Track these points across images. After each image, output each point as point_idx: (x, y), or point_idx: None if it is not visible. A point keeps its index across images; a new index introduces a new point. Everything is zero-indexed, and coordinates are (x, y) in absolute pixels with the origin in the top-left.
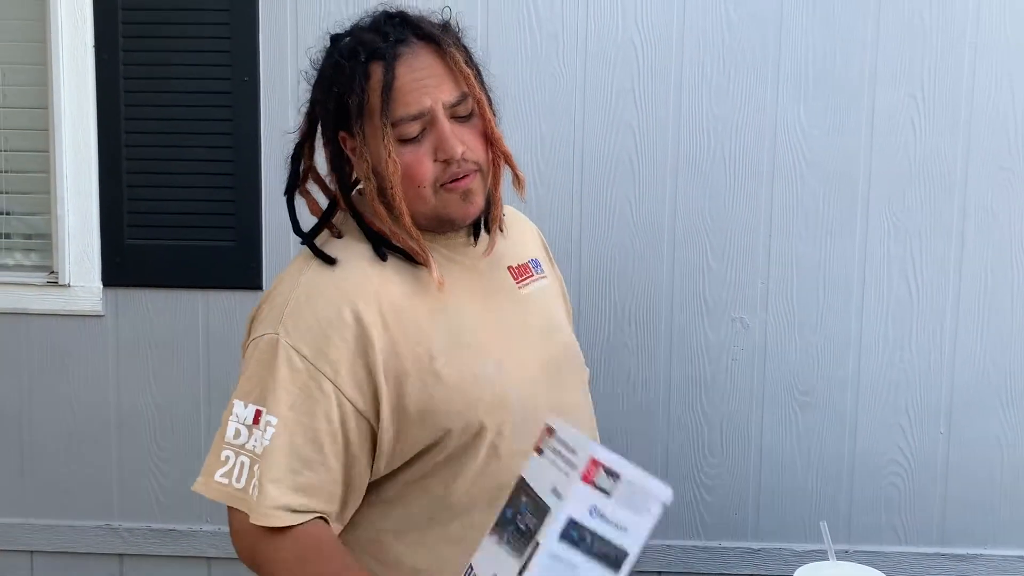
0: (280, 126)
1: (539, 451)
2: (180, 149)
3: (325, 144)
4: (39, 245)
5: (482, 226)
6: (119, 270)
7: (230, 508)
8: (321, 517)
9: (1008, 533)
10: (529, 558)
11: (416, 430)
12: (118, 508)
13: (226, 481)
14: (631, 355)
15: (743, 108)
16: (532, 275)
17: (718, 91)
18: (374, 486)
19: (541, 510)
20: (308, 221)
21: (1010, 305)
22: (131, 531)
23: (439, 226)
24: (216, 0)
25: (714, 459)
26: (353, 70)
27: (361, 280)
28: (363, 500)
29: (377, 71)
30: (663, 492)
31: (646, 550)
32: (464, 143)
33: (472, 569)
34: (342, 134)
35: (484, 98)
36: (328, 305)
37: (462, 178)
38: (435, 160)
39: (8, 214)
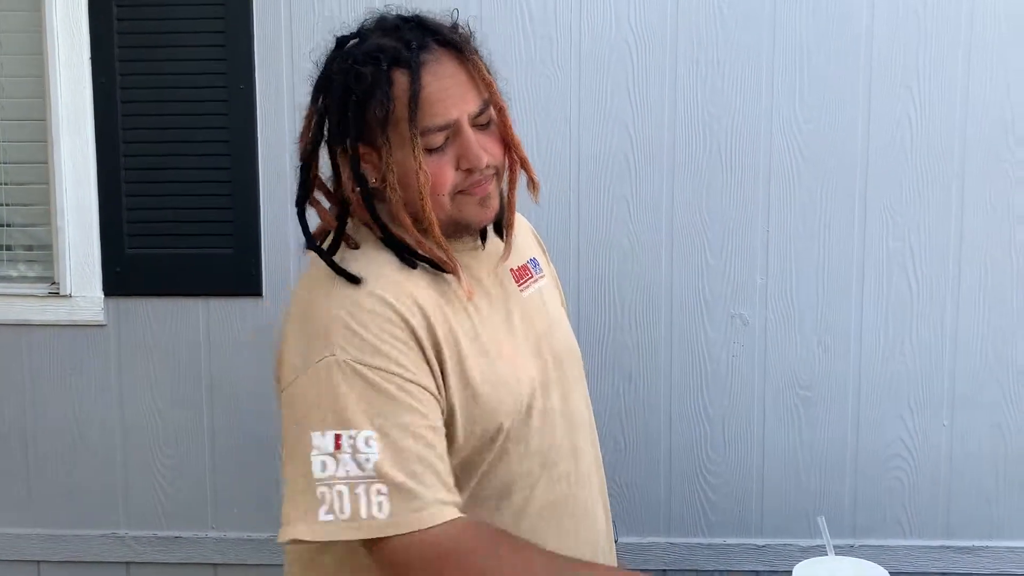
0: (276, 132)
1: None
2: (177, 158)
3: (341, 153)
4: (40, 256)
5: (491, 231)
6: (120, 279)
7: (364, 544)
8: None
9: (1013, 524)
10: None
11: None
12: (124, 516)
13: (332, 517)
14: (631, 353)
15: (738, 105)
16: (532, 276)
17: (713, 89)
18: None
19: None
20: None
21: (1010, 295)
22: (137, 539)
23: (454, 231)
24: (211, 8)
25: (716, 456)
26: (376, 77)
27: (394, 285)
28: None
29: (401, 79)
30: None
31: (650, 548)
32: (487, 151)
33: None
34: (360, 144)
35: (504, 105)
36: (372, 314)
37: (480, 185)
38: (457, 168)
39: (9, 226)
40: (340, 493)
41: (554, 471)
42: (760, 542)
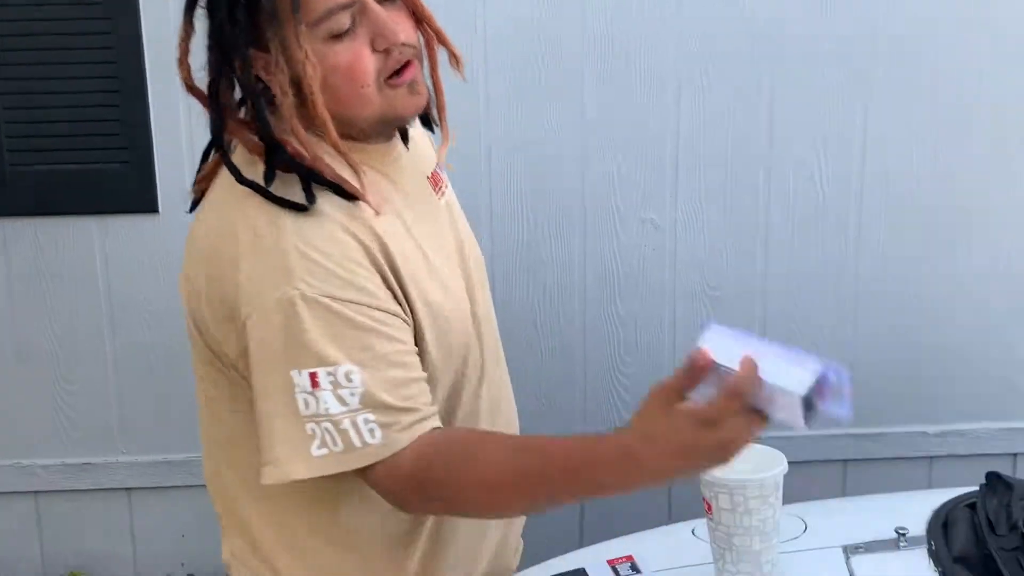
0: (163, 27)
1: None
2: (57, 67)
3: (239, 69)
4: None
5: (416, 125)
6: (2, 199)
7: (359, 472)
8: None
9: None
10: None
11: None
12: (29, 446)
13: (326, 451)
14: (547, 268)
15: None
16: (444, 181)
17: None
18: None
19: None
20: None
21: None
22: (46, 468)
23: (384, 129)
24: None
25: (629, 358)
26: None
27: (338, 208)
28: None
29: None
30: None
31: None
32: (400, 27)
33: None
34: (253, 51)
35: None
36: (329, 240)
37: (405, 69)
38: (374, 51)
39: None
40: (327, 428)
41: (493, 374)
42: None
